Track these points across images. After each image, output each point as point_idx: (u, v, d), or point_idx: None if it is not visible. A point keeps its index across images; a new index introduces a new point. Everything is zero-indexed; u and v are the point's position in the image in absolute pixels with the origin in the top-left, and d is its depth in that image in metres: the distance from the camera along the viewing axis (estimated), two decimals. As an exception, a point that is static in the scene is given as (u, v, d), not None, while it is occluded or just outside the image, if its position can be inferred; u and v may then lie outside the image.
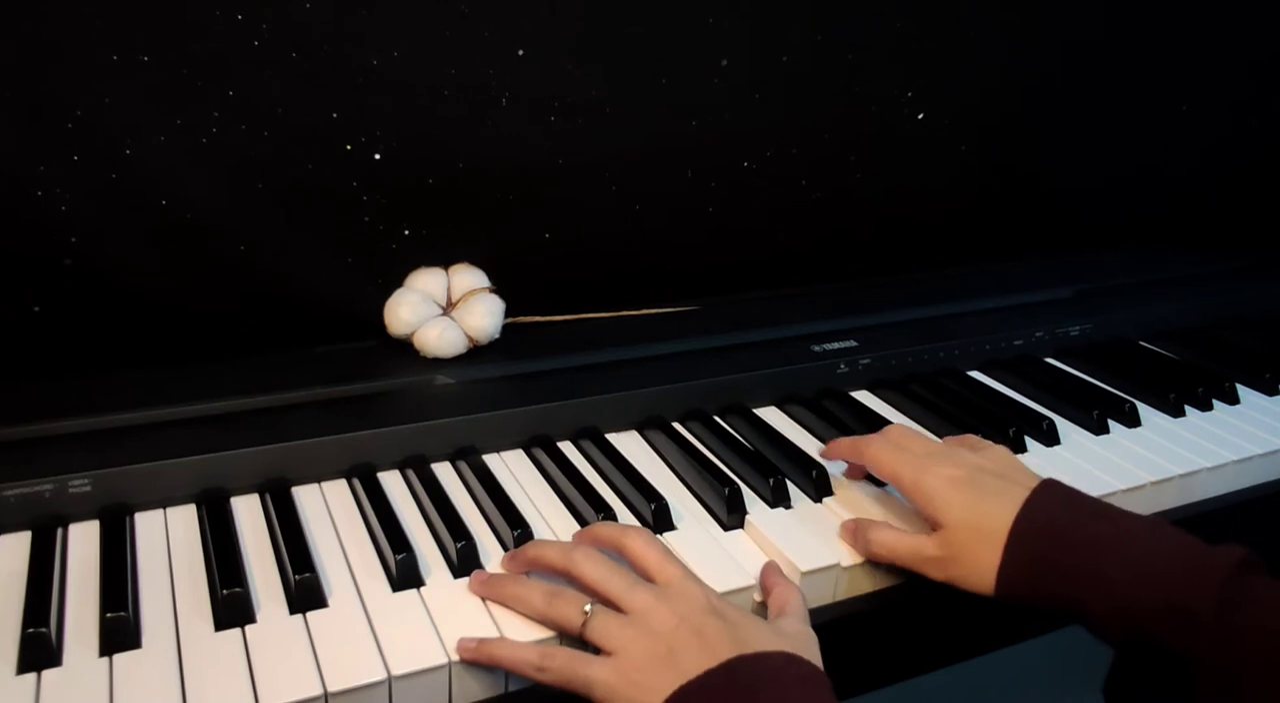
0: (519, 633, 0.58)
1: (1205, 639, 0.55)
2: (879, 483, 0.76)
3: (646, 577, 0.59)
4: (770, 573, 0.64)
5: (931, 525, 0.66)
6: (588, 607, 0.57)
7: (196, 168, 0.77)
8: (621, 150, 0.92)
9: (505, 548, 0.66)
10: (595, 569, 0.59)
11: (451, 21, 0.81)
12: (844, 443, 0.74)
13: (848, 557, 0.67)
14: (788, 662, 0.54)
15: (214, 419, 0.73)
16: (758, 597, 0.64)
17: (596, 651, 0.56)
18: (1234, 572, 0.57)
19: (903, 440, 0.71)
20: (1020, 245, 1.19)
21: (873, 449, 0.70)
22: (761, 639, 0.55)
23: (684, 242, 0.99)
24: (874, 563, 0.67)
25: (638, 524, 0.69)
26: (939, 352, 0.94)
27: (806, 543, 0.68)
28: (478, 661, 0.56)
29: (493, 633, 0.58)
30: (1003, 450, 0.71)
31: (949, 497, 0.64)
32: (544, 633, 0.59)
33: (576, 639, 0.57)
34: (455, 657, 0.56)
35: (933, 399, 0.88)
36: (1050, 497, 0.64)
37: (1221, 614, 0.55)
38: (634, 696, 0.53)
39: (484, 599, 0.61)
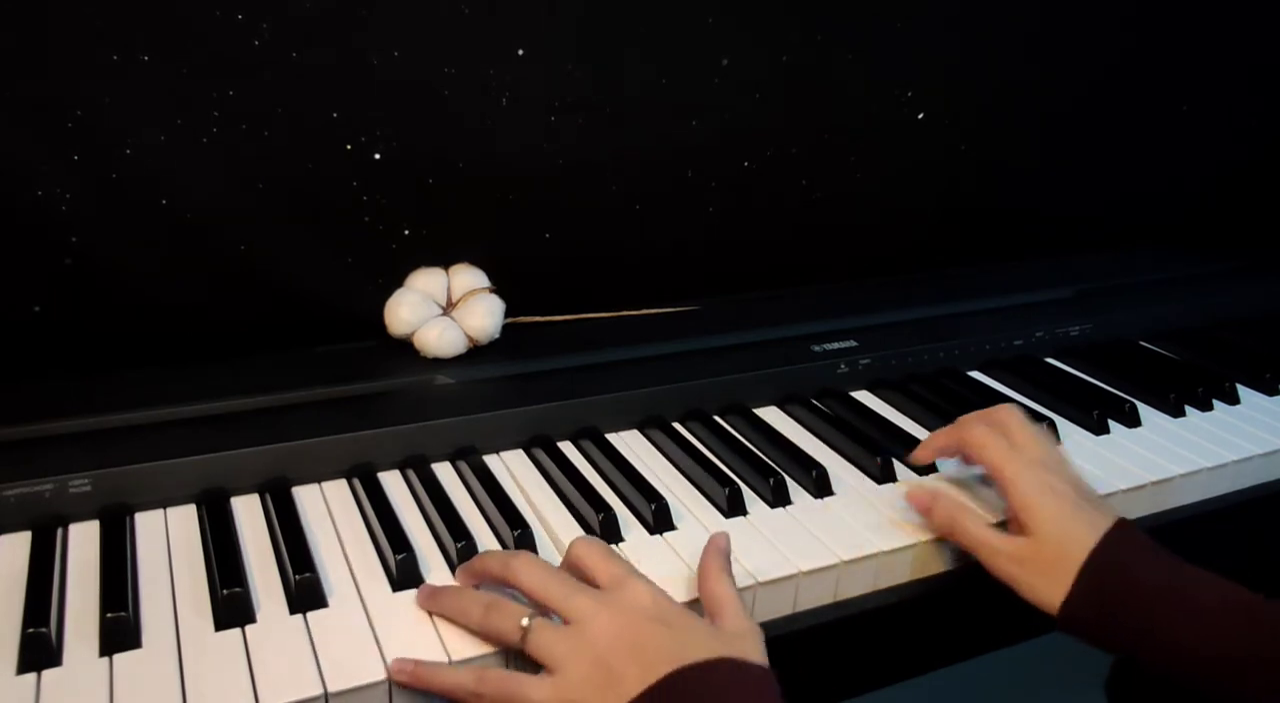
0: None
1: (1255, 688, 0.57)
2: (881, 482, 0.76)
3: (591, 581, 0.58)
4: (703, 571, 0.61)
5: (1014, 525, 0.66)
6: (525, 620, 0.55)
7: (196, 168, 0.77)
8: (621, 150, 0.92)
9: (505, 548, 0.66)
10: (534, 575, 0.57)
11: (451, 21, 0.81)
12: (941, 433, 0.74)
13: (848, 556, 0.67)
14: (729, 669, 0.53)
15: (214, 419, 0.73)
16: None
17: (538, 666, 0.55)
18: None
19: (1009, 427, 0.70)
20: (1020, 245, 1.19)
21: (974, 433, 0.70)
22: (702, 646, 0.54)
23: (684, 241, 0.99)
24: (877, 563, 0.67)
25: (590, 533, 0.68)
26: (939, 352, 0.94)
27: (807, 543, 0.68)
28: (411, 685, 0.54)
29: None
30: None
31: (1045, 504, 0.65)
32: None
33: (521, 655, 0.56)
34: (455, 656, 0.56)
35: (933, 399, 0.88)
36: (1125, 538, 0.64)
37: (1276, 663, 0.57)
38: None
39: (429, 611, 0.59)
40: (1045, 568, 0.63)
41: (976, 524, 0.67)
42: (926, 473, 0.77)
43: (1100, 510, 0.66)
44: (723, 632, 0.56)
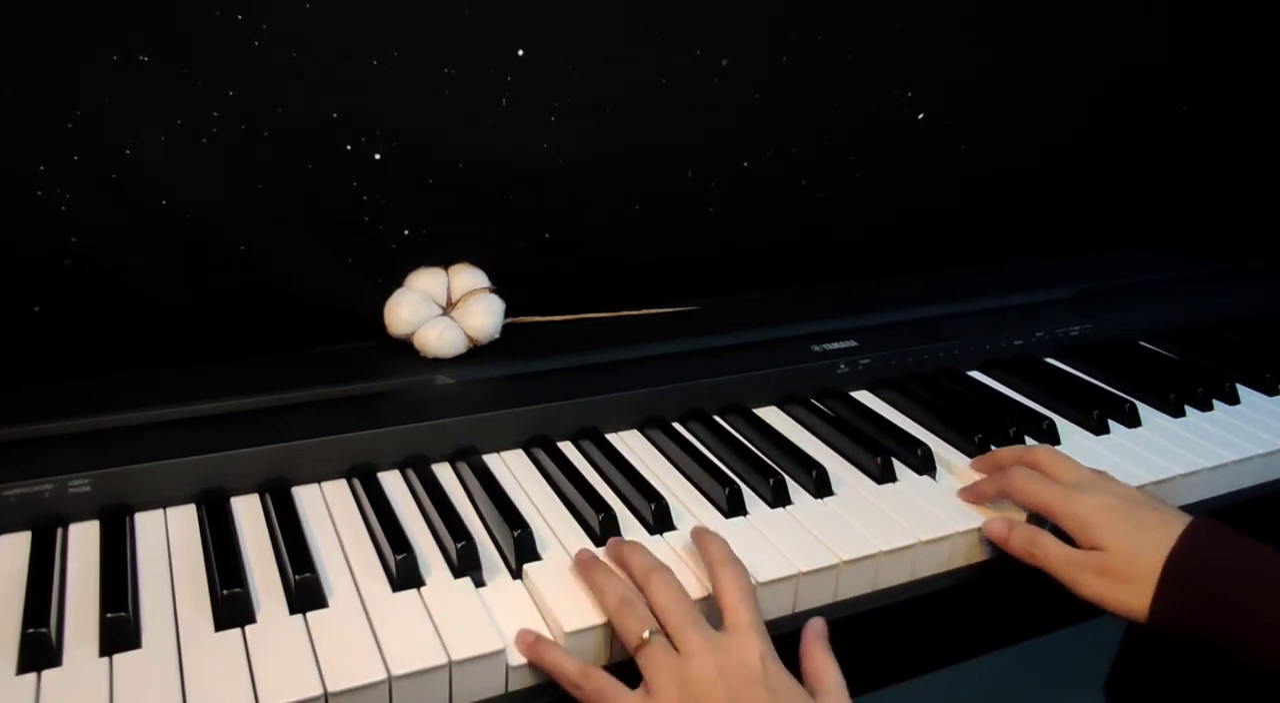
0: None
1: None
2: (881, 483, 0.76)
3: (720, 614, 0.60)
4: (806, 651, 0.61)
5: (1089, 548, 0.67)
6: (646, 633, 0.57)
7: (196, 168, 0.77)
8: (621, 150, 0.92)
9: (503, 549, 0.66)
10: (665, 595, 0.59)
11: (451, 21, 0.81)
12: (984, 483, 0.74)
13: (848, 556, 0.67)
14: None
15: (214, 419, 0.73)
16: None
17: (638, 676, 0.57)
18: None
19: (1050, 466, 0.72)
20: (1020, 245, 1.19)
21: (1018, 481, 0.71)
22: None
23: (684, 241, 0.99)
24: (877, 563, 0.67)
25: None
26: (939, 352, 0.94)
27: (807, 543, 0.68)
28: (528, 656, 0.58)
29: (490, 634, 0.58)
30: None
31: (1106, 522, 0.66)
32: (545, 632, 0.59)
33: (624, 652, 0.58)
34: (455, 656, 0.56)
35: (933, 399, 0.88)
36: (1203, 533, 0.65)
37: None
38: None
39: (578, 576, 0.63)
40: (1125, 577, 0.64)
41: (1056, 547, 0.68)
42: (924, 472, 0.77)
43: (1164, 512, 0.67)
44: None
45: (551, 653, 0.58)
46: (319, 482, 0.72)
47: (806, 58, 0.96)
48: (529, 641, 0.58)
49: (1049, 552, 0.68)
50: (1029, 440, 0.83)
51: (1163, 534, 0.65)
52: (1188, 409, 0.90)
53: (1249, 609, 0.61)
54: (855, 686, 0.71)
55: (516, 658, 0.58)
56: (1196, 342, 1.04)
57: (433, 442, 0.75)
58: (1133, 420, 0.87)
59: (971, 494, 0.74)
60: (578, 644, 0.59)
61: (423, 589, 0.62)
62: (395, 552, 0.63)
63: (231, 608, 0.58)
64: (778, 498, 0.73)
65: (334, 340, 0.85)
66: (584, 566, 0.63)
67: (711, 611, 0.61)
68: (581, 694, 0.56)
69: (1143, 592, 0.64)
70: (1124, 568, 0.65)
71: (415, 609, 0.60)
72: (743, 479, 0.75)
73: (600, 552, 0.66)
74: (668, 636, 0.58)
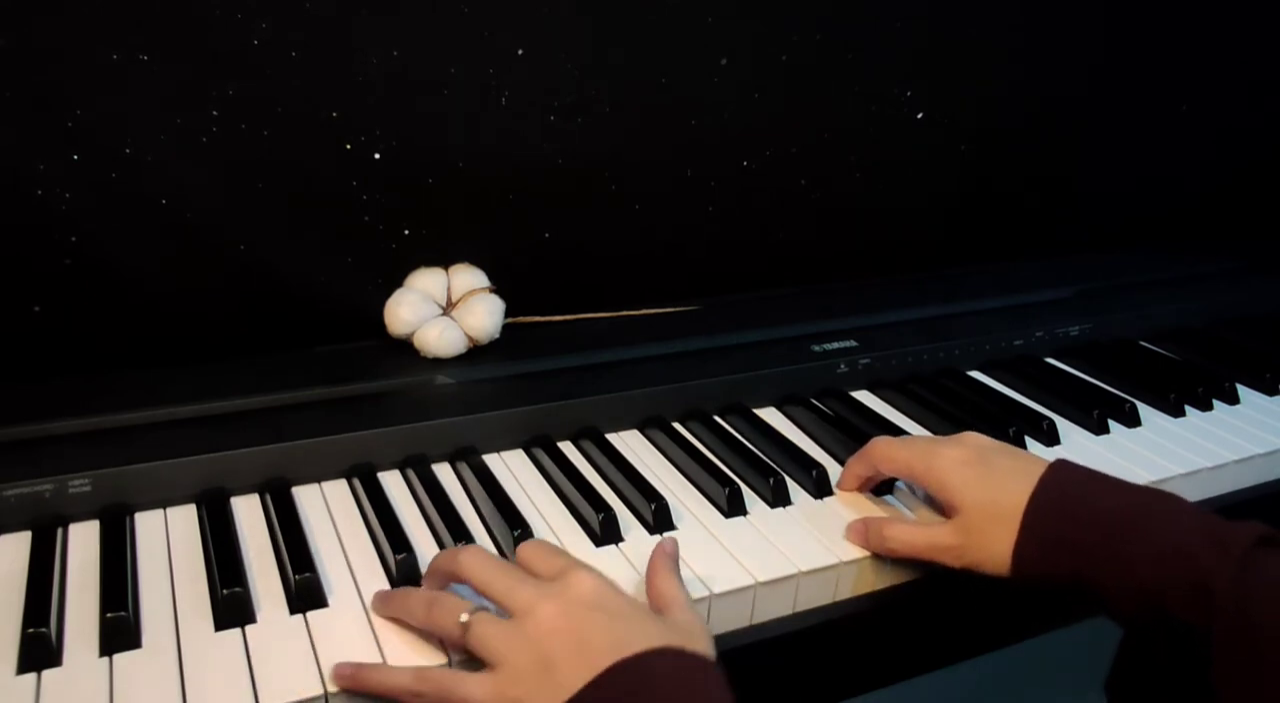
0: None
1: (1222, 615, 0.55)
2: (880, 491, 0.76)
3: (537, 575, 0.56)
4: (651, 570, 0.60)
5: (947, 511, 0.66)
6: (464, 615, 0.54)
7: (196, 168, 0.77)
8: (621, 150, 0.92)
9: (502, 549, 0.66)
10: (477, 567, 0.56)
11: (451, 21, 0.81)
12: (852, 462, 0.73)
13: (848, 557, 0.67)
14: (673, 658, 0.51)
15: (214, 419, 0.73)
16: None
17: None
18: (1252, 547, 0.56)
19: (907, 437, 0.72)
20: (1020, 245, 1.19)
21: (879, 448, 0.70)
22: (645, 635, 0.52)
23: (684, 241, 0.99)
24: (877, 563, 0.67)
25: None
26: (939, 352, 0.94)
27: (807, 543, 0.68)
28: (352, 689, 0.53)
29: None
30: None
31: (962, 476, 0.65)
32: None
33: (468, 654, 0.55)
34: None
35: (933, 399, 0.88)
36: (1065, 474, 0.64)
37: (1238, 589, 0.55)
38: None
39: (381, 616, 0.59)
40: (986, 536, 0.63)
41: (909, 530, 0.66)
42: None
43: (1024, 460, 0.65)
44: (669, 623, 0.55)
45: (375, 675, 0.54)
46: (319, 482, 0.72)
47: (806, 58, 0.96)
48: (346, 673, 0.54)
49: (904, 538, 0.65)
50: (1029, 441, 0.83)
51: (1019, 478, 0.63)
52: (1188, 409, 0.90)
53: (1106, 544, 0.59)
54: (855, 685, 0.71)
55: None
56: (1196, 342, 1.05)
57: (433, 442, 0.75)
58: (1133, 420, 0.87)
59: (847, 479, 0.74)
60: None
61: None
62: (395, 552, 0.63)
63: (231, 608, 0.58)
64: (778, 498, 0.73)
65: (334, 340, 0.85)
66: (382, 602, 0.59)
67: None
68: (425, 701, 0.52)
69: (1002, 545, 0.62)
70: (981, 524, 0.63)
71: (415, 609, 0.60)
72: (743, 479, 0.75)
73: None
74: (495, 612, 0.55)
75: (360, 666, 0.54)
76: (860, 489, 0.74)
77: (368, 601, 0.60)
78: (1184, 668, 0.58)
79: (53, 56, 0.71)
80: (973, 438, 0.69)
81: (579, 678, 0.50)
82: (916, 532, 0.66)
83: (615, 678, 0.50)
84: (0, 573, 0.61)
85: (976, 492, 0.64)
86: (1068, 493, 0.62)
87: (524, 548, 0.59)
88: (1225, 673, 0.55)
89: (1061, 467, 0.64)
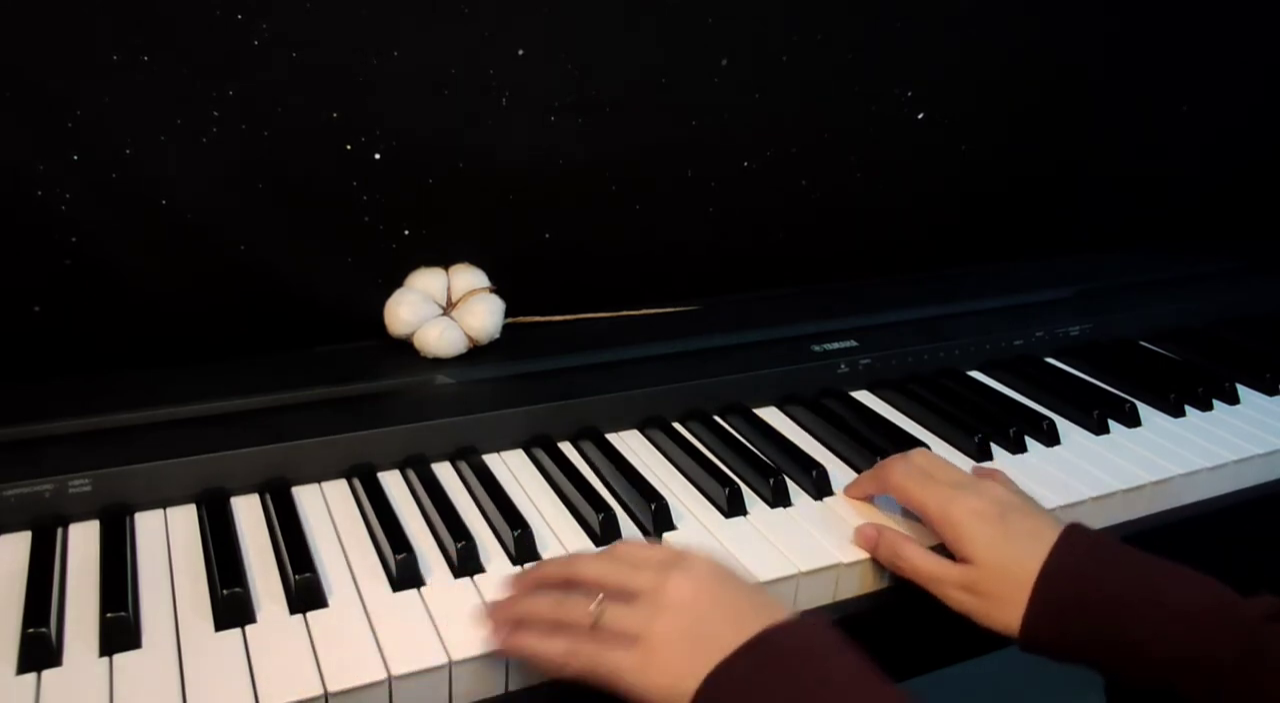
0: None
1: (1230, 690, 0.55)
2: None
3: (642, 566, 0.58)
4: None
5: (957, 557, 0.65)
6: (593, 608, 0.55)
7: (196, 168, 0.77)
8: (621, 150, 0.92)
9: (505, 548, 0.66)
10: (595, 566, 0.58)
11: (452, 21, 0.81)
12: (864, 478, 0.73)
13: (848, 557, 0.67)
14: (820, 630, 0.53)
15: (214, 419, 0.73)
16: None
17: None
18: (1263, 622, 0.56)
19: (928, 467, 0.69)
20: (1020, 245, 1.19)
21: (896, 476, 0.69)
22: (779, 607, 0.54)
23: (684, 241, 0.99)
24: (877, 564, 0.67)
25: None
26: (939, 352, 0.94)
27: (807, 543, 0.68)
28: (507, 651, 0.56)
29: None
30: (1022, 492, 0.69)
31: (978, 532, 0.63)
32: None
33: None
34: (456, 656, 0.56)
35: (933, 399, 0.88)
36: (1078, 544, 0.62)
37: (1247, 664, 0.55)
38: (663, 681, 0.51)
39: (493, 623, 0.59)
40: (995, 592, 0.62)
41: (922, 557, 0.65)
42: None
43: (1040, 521, 0.64)
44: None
45: (530, 640, 0.56)
46: (319, 482, 0.72)
47: (806, 58, 0.96)
48: (501, 635, 0.56)
49: (915, 564, 0.65)
50: (1029, 441, 0.83)
51: (1033, 544, 0.62)
52: (1188, 409, 0.90)
53: (1122, 618, 0.58)
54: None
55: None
56: (1196, 342, 1.05)
57: (433, 442, 0.75)
58: (1133, 420, 0.87)
59: (855, 489, 0.73)
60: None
61: (423, 589, 0.62)
62: (395, 552, 0.63)
63: (231, 608, 0.58)
64: (778, 498, 0.73)
65: (334, 340, 0.85)
66: (496, 609, 0.59)
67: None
68: (576, 665, 0.54)
69: (1014, 607, 0.61)
70: (993, 585, 0.62)
71: (415, 609, 0.60)
72: (743, 479, 0.75)
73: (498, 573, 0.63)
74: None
75: (515, 630, 0.56)
76: (861, 498, 0.74)
77: (367, 601, 0.60)
78: None
79: (53, 56, 0.71)
80: (990, 489, 0.67)
81: (730, 640, 0.51)
82: (928, 563, 0.65)
83: (770, 643, 0.51)
84: (0, 573, 0.61)
85: (991, 552, 0.63)
86: (1079, 567, 0.61)
87: (622, 544, 0.61)
88: None
89: (1073, 534, 0.63)
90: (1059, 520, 0.65)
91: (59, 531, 0.65)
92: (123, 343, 0.80)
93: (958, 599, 0.63)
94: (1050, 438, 0.83)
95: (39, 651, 0.54)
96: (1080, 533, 0.63)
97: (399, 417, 0.75)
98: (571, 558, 0.60)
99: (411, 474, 0.73)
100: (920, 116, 1.05)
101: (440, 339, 0.82)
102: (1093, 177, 1.19)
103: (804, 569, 0.65)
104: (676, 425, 0.82)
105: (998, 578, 0.62)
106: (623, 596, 0.56)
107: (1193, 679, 0.57)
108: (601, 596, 0.56)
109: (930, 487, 0.67)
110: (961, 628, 0.74)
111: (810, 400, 0.87)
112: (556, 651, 0.55)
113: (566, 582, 0.59)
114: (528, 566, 0.64)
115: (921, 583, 0.65)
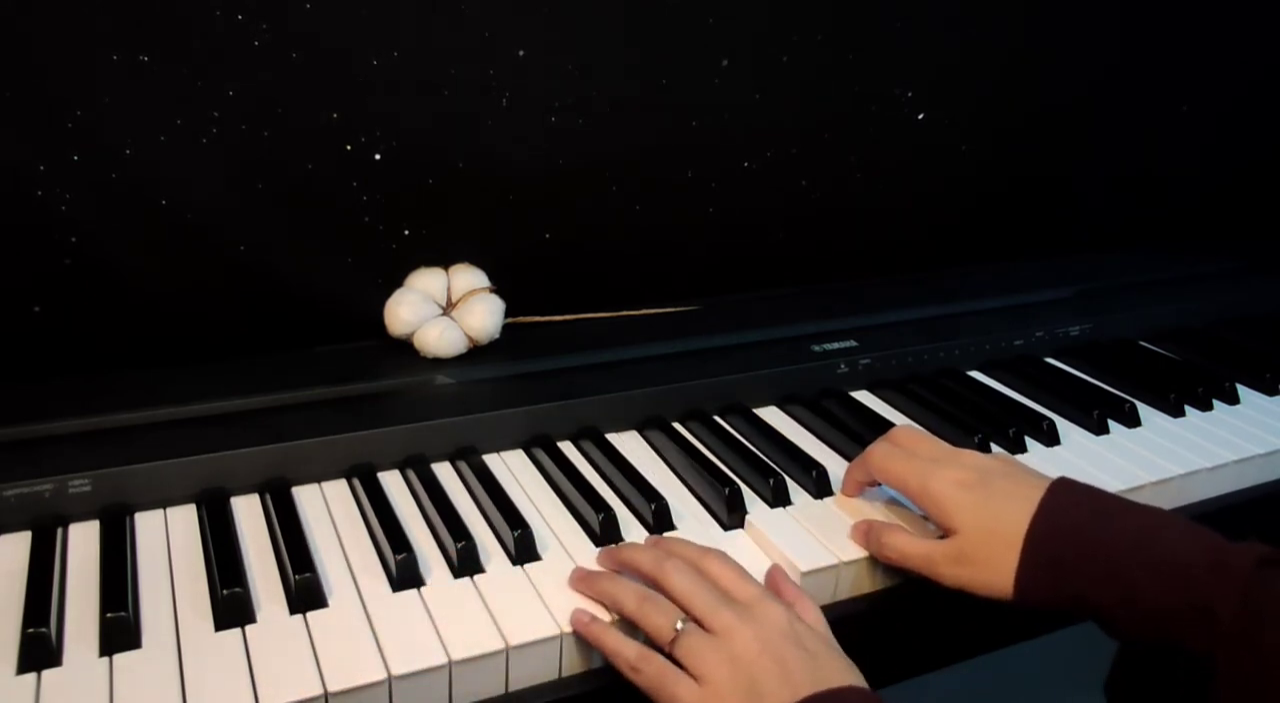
0: (521, 631, 0.58)
1: (1225, 637, 0.55)
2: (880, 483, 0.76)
3: (726, 595, 0.59)
4: (781, 581, 0.63)
5: (943, 531, 0.65)
6: (680, 624, 0.57)
7: (196, 168, 0.77)
8: (621, 150, 0.92)
9: (505, 548, 0.66)
10: (684, 582, 0.59)
11: (452, 21, 0.81)
12: (852, 467, 0.73)
13: (848, 557, 0.67)
14: (861, 698, 0.54)
15: (214, 419, 0.73)
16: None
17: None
18: (1255, 569, 0.56)
19: (908, 444, 0.69)
20: (1020, 245, 1.19)
21: (877, 458, 0.69)
22: (838, 672, 0.55)
23: (684, 241, 0.99)
24: (877, 563, 0.67)
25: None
26: (939, 352, 0.94)
27: (807, 543, 0.68)
28: (585, 635, 0.58)
29: (490, 634, 0.58)
30: (1006, 456, 0.70)
31: (959, 500, 0.63)
32: (546, 632, 0.59)
33: (654, 645, 0.58)
34: (455, 656, 0.56)
35: (933, 399, 0.88)
36: (1067, 496, 0.63)
37: (1241, 612, 0.55)
38: None
39: (581, 593, 0.62)
40: (985, 559, 0.62)
41: (907, 540, 0.65)
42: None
43: (1023, 482, 0.64)
44: (851, 663, 0.57)
45: (608, 635, 0.58)
46: (319, 482, 0.72)
47: (806, 58, 0.96)
48: (584, 620, 0.59)
49: (903, 549, 0.65)
50: (1029, 441, 0.83)
51: (1019, 502, 0.62)
52: (1188, 409, 0.90)
53: (1110, 570, 0.58)
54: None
55: (517, 656, 0.58)
56: (1196, 342, 1.05)
57: (433, 442, 0.75)
58: (1133, 420, 0.87)
59: (848, 485, 0.73)
60: (568, 648, 0.60)
61: (423, 589, 0.62)
62: (395, 552, 0.63)
63: (231, 608, 0.58)
64: (778, 498, 0.73)
65: (334, 340, 0.85)
66: (585, 580, 0.62)
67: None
68: (639, 679, 0.56)
69: (1003, 571, 0.61)
70: (981, 549, 0.62)
71: (415, 609, 0.60)
72: (743, 479, 0.75)
73: (594, 562, 0.65)
74: (696, 622, 0.57)
75: (596, 619, 0.59)
76: (861, 493, 0.74)
77: (367, 601, 0.60)
78: (1183, 674, 0.58)
79: (53, 57, 0.71)
80: (970, 457, 0.67)
81: (780, 700, 0.53)
82: (914, 544, 0.65)
83: None
84: (0, 573, 0.61)
85: (974, 517, 0.63)
86: (1069, 518, 0.61)
87: (714, 564, 0.61)
88: (1229, 696, 0.55)
89: (1061, 488, 0.63)
90: (1045, 478, 0.65)
91: (59, 531, 0.65)
92: (123, 343, 0.80)
93: (951, 575, 0.63)
94: (1050, 438, 0.83)
95: (39, 651, 0.54)
96: (1067, 487, 0.64)
97: (399, 417, 0.75)
98: (667, 559, 0.60)
99: (411, 474, 0.73)
100: (920, 117, 1.05)
101: (440, 339, 0.82)
102: (1093, 176, 1.19)
103: (804, 570, 0.65)
104: (676, 425, 0.82)
105: (985, 541, 0.62)
106: (702, 623, 0.57)
107: (1187, 626, 0.57)
108: (685, 618, 0.57)
109: (909, 463, 0.67)
110: (962, 628, 0.74)
111: (810, 400, 0.87)
112: (630, 655, 0.57)
113: (651, 578, 0.60)
114: (620, 544, 0.66)
115: (913, 567, 0.65)
